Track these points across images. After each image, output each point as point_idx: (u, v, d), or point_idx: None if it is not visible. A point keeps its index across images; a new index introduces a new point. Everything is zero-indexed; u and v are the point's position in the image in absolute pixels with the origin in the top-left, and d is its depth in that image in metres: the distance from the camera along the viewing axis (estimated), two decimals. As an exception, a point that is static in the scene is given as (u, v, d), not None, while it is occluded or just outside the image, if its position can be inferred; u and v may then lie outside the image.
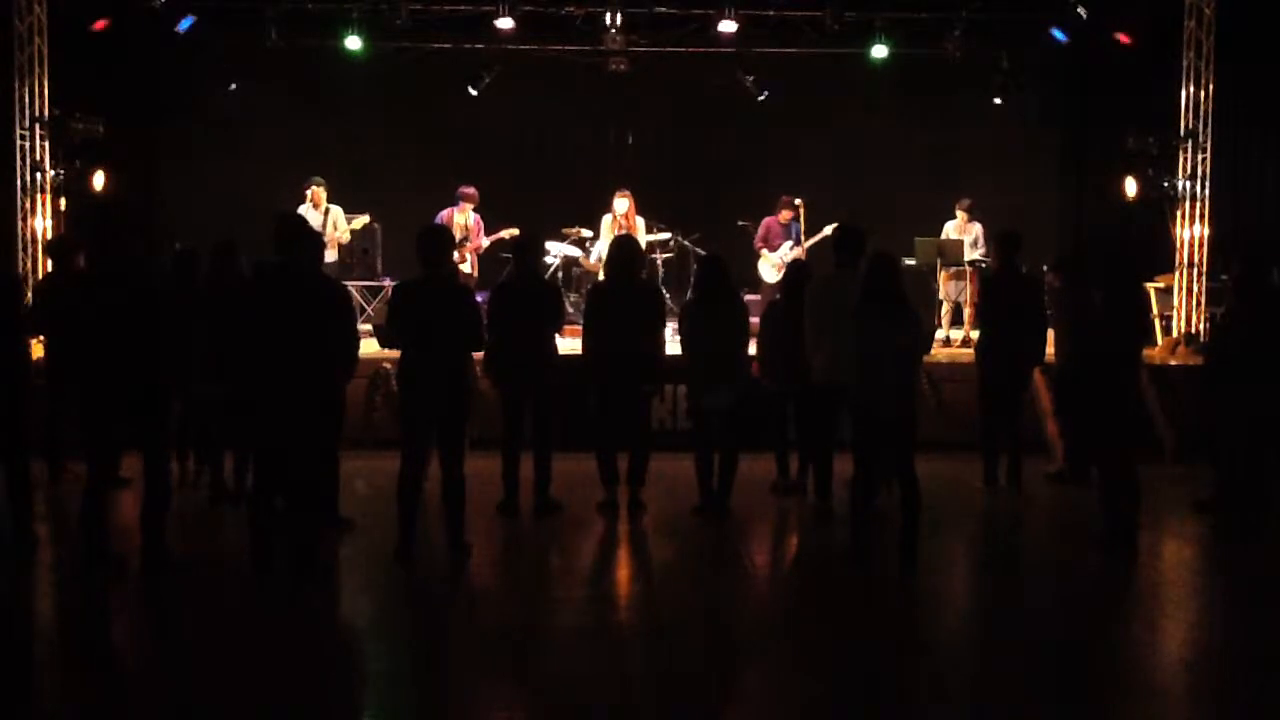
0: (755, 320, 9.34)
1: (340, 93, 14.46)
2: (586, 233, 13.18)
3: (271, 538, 6.55)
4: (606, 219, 12.26)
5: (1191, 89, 12.37)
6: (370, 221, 13.36)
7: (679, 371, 8.62)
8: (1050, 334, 9.15)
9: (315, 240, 7.02)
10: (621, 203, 12.19)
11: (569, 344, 8.55)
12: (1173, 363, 11.25)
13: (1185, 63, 12.36)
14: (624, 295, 8.00)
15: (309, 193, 12.55)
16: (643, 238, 12.36)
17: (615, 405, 8.06)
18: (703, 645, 5.87)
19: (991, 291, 9.14)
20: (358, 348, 6.95)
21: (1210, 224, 12.41)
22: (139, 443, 6.65)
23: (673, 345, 8.54)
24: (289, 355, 6.38)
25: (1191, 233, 12.45)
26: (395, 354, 7.47)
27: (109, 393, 6.52)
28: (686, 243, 13.46)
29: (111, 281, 6.53)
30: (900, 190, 14.28)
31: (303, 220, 7.23)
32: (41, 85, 12.07)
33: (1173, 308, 12.48)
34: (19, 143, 11.96)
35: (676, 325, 8.30)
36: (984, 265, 12.20)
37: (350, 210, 12.93)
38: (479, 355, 7.57)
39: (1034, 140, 15.22)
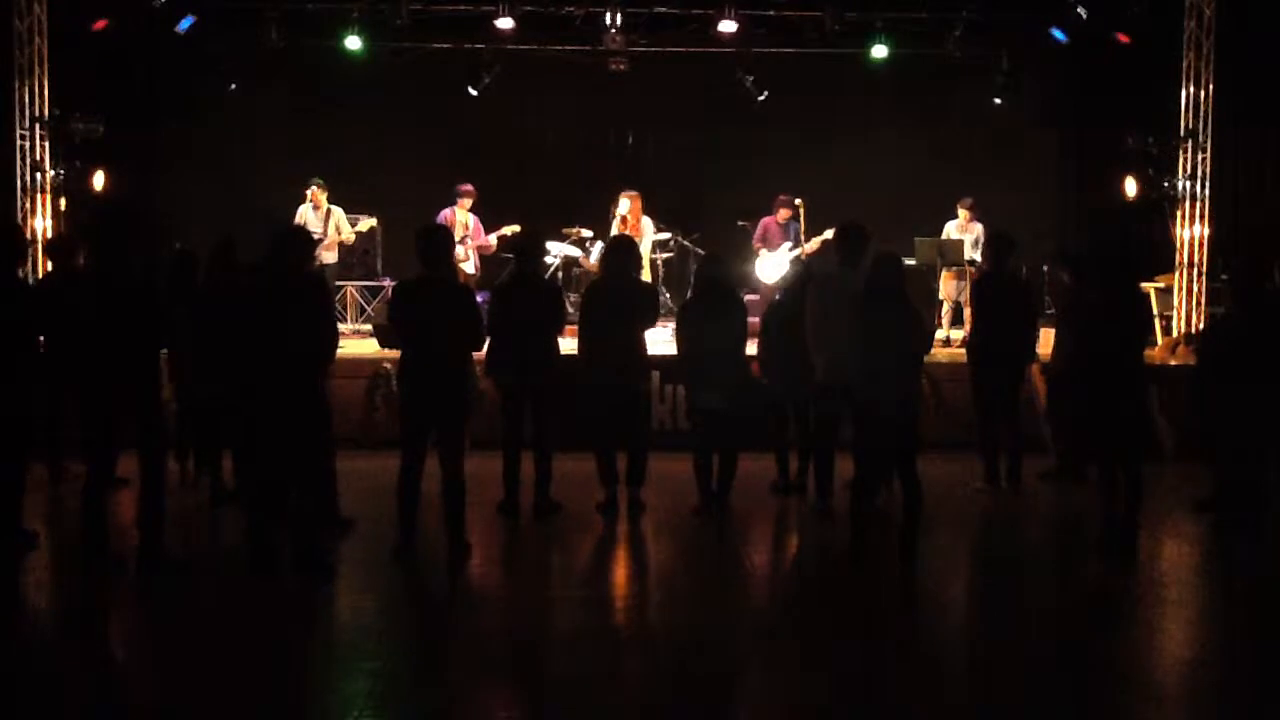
0: (755, 320, 9.34)
1: (340, 93, 14.46)
2: (586, 233, 13.19)
3: (271, 538, 6.55)
4: (616, 221, 12.27)
5: (1191, 89, 12.37)
6: (371, 217, 13.37)
7: (679, 371, 8.62)
8: (1047, 333, 9.16)
9: (303, 240, 7.03)
10: (623, 203, 12.19)
11: (569, 344, 8.55)
12: (1173, 363, 11.25)
13: (1185, 63, 12.37)
14: (619, 295, 7.99)
15: (309, 193, 12.55)
16: (650, 237, 12.37)
17: (614, 405, 8.05)
18: (702, 645, 5.86)
19: (980, 292, 9.15)
20: (335, 340, 6.91)
21: (1210, 224, 12.42)
22: (136, 442, 6.65)
23: (673, 345, 8.54)
24: (273, 353, 6.38)
25: (1191, 233, 12.45)
26: (395, 354, 7.48)
27: (107, 391, 6.52)
28: (686, 243, 13.47)
29: (110, 281, 6.53)
30: (900, 190, 14.28)
31: (303, 230, 7.27)
32: (41, 85, 12.06)
33: (1173, 308, 12.48)
34: (19, 143, 11.96)
35: (675, 325, 8.31)
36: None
37: (351, 210, 12.94)
38: (479, 355, 7.57)
39: (1034, 140, 15.23)
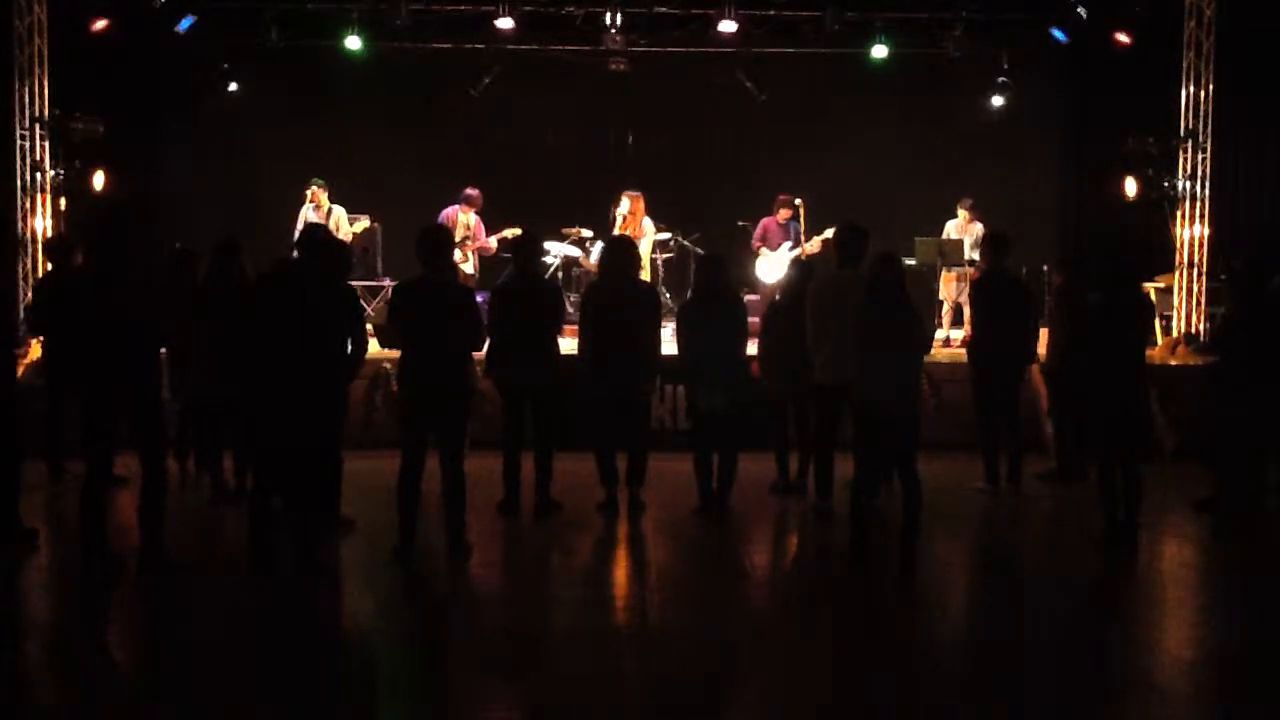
0: (755, 320, 9.34)
1: (340, 93, 14.47)
2: (586, 233, 13.18)
3: (271, 538, 6.55)
4: (616, 221, 12.25)
5: (1191, 89, 12.37)
6: (371, 223, 13.36)
7: (679, 371, 8.63)
8: (1045, 333, 9.16)
9: (334, 248, 7.06)
10: (624, 203, 12.19)
11: (569, 344, 8.56)
12: (1173, 363, 11.25)
13: (1185, 63, 12.37)
14: (619, 296, 7.99)
15: (309, 193, 12.56)
16: (651, 237, 12.36)
17: (614, 405, 8.05)
18: (702, 646, 5.87)
19: (979, 292, 9.15)
20: (365, 350, 6.95)
21: (1210, 224, 12.41)
22: (135, 441, 6.66)
23: (672, 345, 8.55)
24: (295, 357, 6.39)
25: (1191, 233, 12.45)
26: (395, 354, 7.48)
27: (104, 389, 6.52)
28: (686, 243, 13.48)
29: (108, 279, 6.53)
30: (900, 190, 14.29)
31: (323, 230, 7.31)
32: (41, 85, 12.07)
33: (1173, 308, 12.48)
34: (19, 143, 11.96)
35: (675, 325, 8.32)
36: (983, 267, 12.20)
37: (351, 211, 12.93)
38: (479, 355, 7.57)
39: (1034, 140, 15.23)
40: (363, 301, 13.53)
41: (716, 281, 8.11)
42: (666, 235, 13.29)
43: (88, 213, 12.13)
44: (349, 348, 6.81)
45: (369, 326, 11.56)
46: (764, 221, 12.66)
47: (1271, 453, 7.94)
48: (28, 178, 12.08)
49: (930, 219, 13.21)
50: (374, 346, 10.66)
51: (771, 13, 13.70)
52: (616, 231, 11.94)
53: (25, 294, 11.22)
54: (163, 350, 8.15)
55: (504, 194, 13.20)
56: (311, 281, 6.58)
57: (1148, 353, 8.02)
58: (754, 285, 12.63)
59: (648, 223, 12.30)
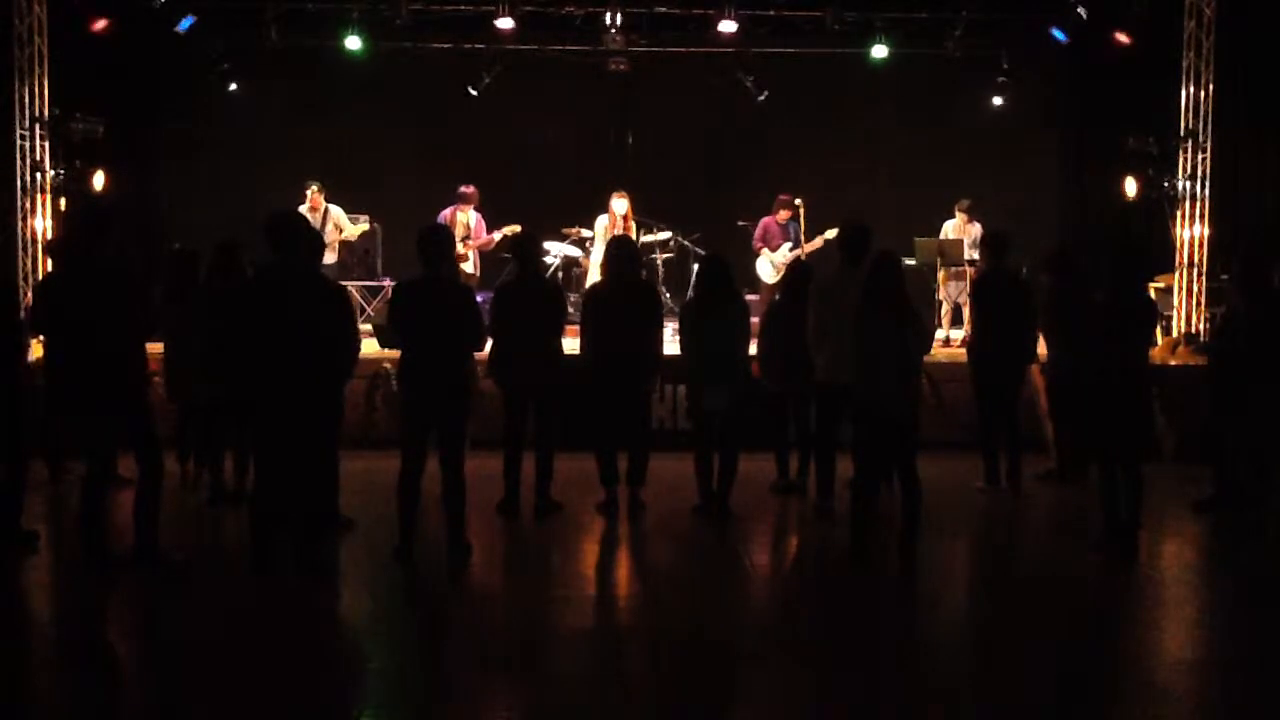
0: (755, 320, 9.33)
1: (340, 93, 14.47)
2: (587, 233, 13.18)
3: (271, 538, 6.55)
4: (602, 220, 12.21)
5: (1191, 89, 12.37)
6: (370, 223, 13.37)
7: (679, 371, 8.62)
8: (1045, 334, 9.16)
9: (310, 237, 7.01)
10: (620, 203, 12.18)
11: (570, 344, 8.56)
12: (1173, 363, 11.24)
13: (1185, 63, 12.37)
14: (621, 296, 7.99)
15: (308, 195, 12.55)
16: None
17: (615, 405, 8.05)
18: (703, 645, 5.87)
19: (979, 292, 9.15)
20: (358, 347, 6.95)
21: (1210, 224, 12.41)
22: (128, 438, 6.65)
23: (672, 345, 8.55)
24: (289, 355, 6.39)
25: (1191, 233, 12.45)
26: (395, 354, 7.48)
27: (91, 387, 6.52)
28: (686, 243, 13.48)
29: (84, 279, 6.54)
30: (900, 190, 14.29)
31: (296, 216, 7.25)
32: (41, 85, 12.07)
33: (1173, 308, 12.48)
34: (19, 143, 11.96)
35: (676, 325, 8.31)
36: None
37: (350, 211, 12.92)
38: (480, 355, 7.57)
39: (1034, 140, 15.23)
40: (362, 302, 13.72)
41: (718, 281, 8.11)
42: (667, 235, 13.29)
43: (71, 213, 12.12)
44: (347, 345, 6.79)
45: (369, 326, 11.62)
46: (764, 221, 12.66)
47: (1271, 453, 7.93)
48: (28, 178, 12.08)
49: (930, 219, 13.21)
50: (374, 346, 10.69)
51: (771, 13, 13.70)
52: (604, 231, 11.95)
53: (26, 294, 11.22)
54: (160, 349, 8.20)
55: (504, 194, 13.19)
56: (308, 280, 6.57)
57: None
58: (754, 285, 12.63)
59: (632, 223, 12.32)
